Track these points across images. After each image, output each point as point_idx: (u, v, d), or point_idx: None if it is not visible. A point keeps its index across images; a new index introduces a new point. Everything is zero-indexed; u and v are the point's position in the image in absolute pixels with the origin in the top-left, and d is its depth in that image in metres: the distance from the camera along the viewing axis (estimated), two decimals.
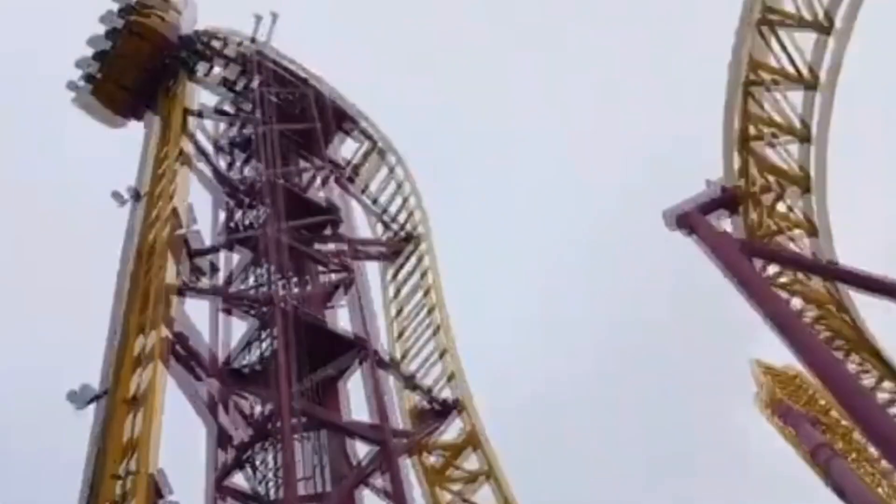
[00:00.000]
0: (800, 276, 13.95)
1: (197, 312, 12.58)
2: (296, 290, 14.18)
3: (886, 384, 16.21)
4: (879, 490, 20.19)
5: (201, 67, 18.49)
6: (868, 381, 16.15)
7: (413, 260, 16.80)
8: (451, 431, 14.05)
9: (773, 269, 13.57)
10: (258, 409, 11.78)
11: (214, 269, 13.78)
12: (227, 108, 17.85)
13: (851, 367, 15.49)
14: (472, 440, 13.74)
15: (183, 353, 11.95)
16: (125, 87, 18.01)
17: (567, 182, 44.16)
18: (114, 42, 17.85)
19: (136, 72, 17.90)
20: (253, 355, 12.14)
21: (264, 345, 11.99)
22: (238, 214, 15.25)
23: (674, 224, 12.58)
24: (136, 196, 14.06)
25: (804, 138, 12.24)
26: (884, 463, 17.63)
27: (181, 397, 11.84)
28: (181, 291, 12.44)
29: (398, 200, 18.12)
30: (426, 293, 15.87)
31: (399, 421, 13.58)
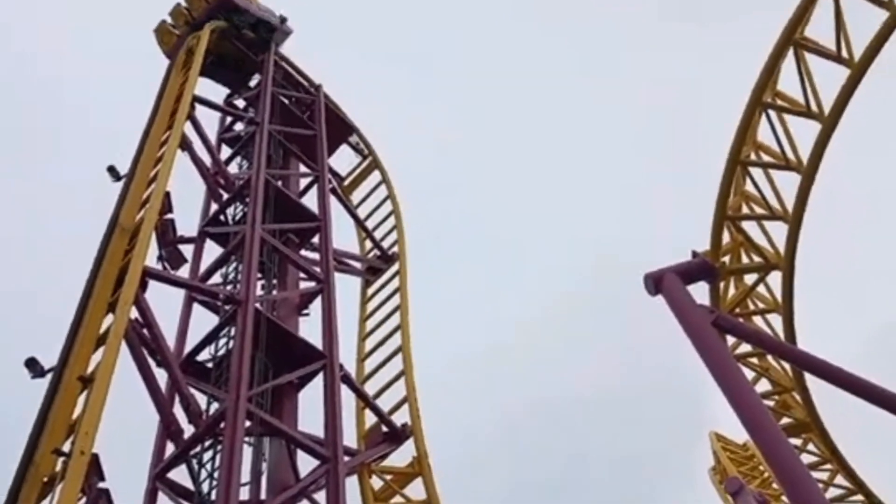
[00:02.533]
0: (770, 358, 14.02)
1: (166, 301, 12.60)
2: (274, 293, 14.24)
3: (838, 480, 16.24)
4: None
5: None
6: (822, 475, 16.17)
7: (388, 280, 16.87)
8: (402, 458, 14.01)
9: (745, 347, 13.65)
10: (213, 406, 11.73)
11: (184, 259, 13.84)
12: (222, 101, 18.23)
13: (808, 458, 15.53)
14: (418, 468, 13.72)
15: (147, 338, 11.92)
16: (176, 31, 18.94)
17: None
18: None
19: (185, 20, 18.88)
20: (214, 352, 12.13)
21: (226, 343, 11.98)
22: (231, 209, 15.35)
23: (652, 288, 12.60)
24: (117, 177, 14.08)
25: (794, 223, 12.35)
26: None
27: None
28: (155, 276, 12.44)
29: (384, 219, 18.28)
30: (391, 314, 15.92)
31: (351, 440, 13.57)
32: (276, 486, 11.58)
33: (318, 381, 12.83)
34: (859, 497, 16.48)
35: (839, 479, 16.25)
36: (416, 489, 14.12)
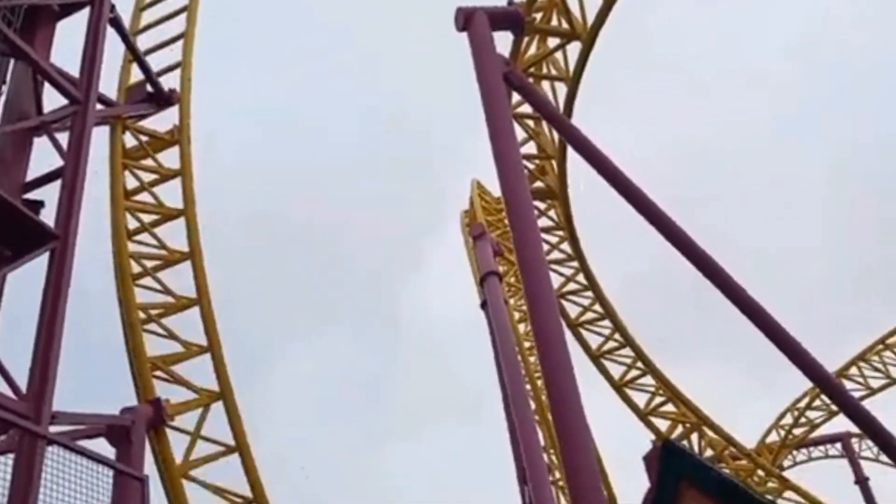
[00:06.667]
0: (544, 125, 14.63)
1: None
2: None
3: (563, 246, 18.03)
4: (521, 326, 22.64)
5: None
6: (552, 238, 17.84)
7: None
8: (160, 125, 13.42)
9: (525, 108, 14.05)
10: None
11: None
12: None
13: (545, 221, 16.98)
14: (177, 137, 13.28)
15: None
16: None
17: None
18: None
19: None
20: None
21: None
22: None
23: (461, 23, 12.34)
24: None
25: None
26: None
27: None
28: None
29: None
30: None
31: (111, 91, 12.67)
32: (13, 115, 10.64)
33: (85, 16, 11.53)
34: (575, 264, 18.54)
35: (564, 246, 18.06)
36: (170, 157, 13.76)
